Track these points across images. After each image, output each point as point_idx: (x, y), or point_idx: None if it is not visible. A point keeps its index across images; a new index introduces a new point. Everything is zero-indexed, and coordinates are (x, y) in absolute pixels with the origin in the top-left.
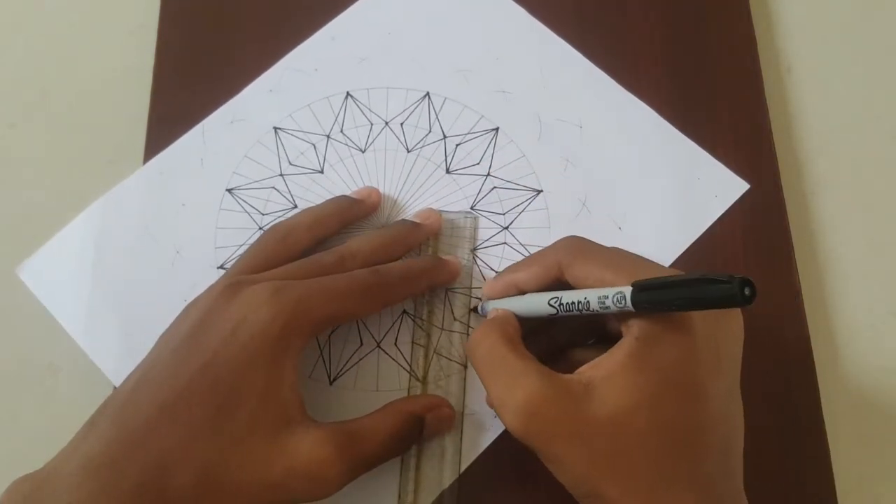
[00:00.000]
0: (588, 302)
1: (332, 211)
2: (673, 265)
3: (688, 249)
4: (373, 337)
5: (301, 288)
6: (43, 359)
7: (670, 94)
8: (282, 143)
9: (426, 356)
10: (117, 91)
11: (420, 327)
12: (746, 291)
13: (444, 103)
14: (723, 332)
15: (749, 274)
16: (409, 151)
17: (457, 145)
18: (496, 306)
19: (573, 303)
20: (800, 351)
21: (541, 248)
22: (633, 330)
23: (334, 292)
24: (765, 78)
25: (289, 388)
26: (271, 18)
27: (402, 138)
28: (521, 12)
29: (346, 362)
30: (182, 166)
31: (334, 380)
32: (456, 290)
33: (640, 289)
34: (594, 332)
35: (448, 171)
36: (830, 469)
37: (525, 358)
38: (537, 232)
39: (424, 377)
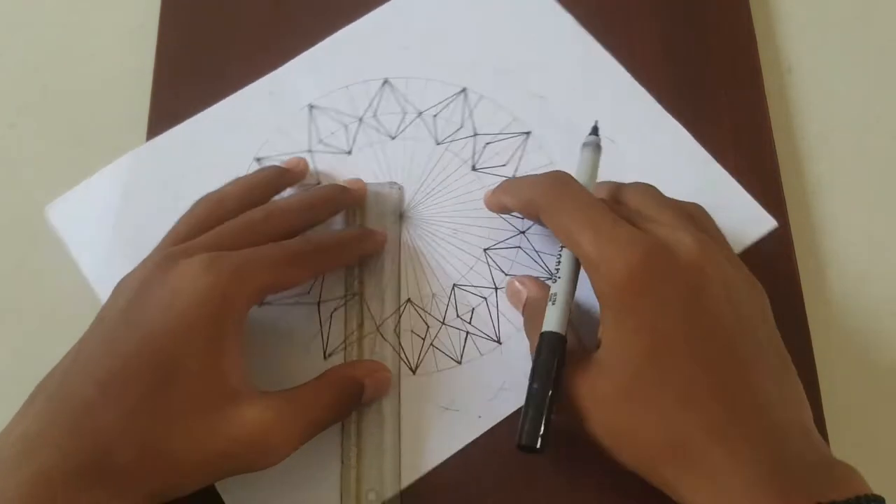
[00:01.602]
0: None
1: (262, 180)
2: None
3: None
4: (374, 320)
5: (237, 258)
6: (43, 359)
7: (670, 94)
8: (314, 121)
9: (359, 339)
10: (117, 91)
11: (356, 304)
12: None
13: (479, 101)
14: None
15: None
16: (437, 144)
17: (486, 144)
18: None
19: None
20: (800, 351)
21: (532, 176)
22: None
23: (269, 260)
24: (765, 78)
25: (230, 358)
26: (271, 18)
27: (432, 130)
28: (569, 19)
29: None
30: (215, 130)
31: (329, 356)
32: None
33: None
34: None
35: (474, 169)
36: None
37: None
38: (553, 240)
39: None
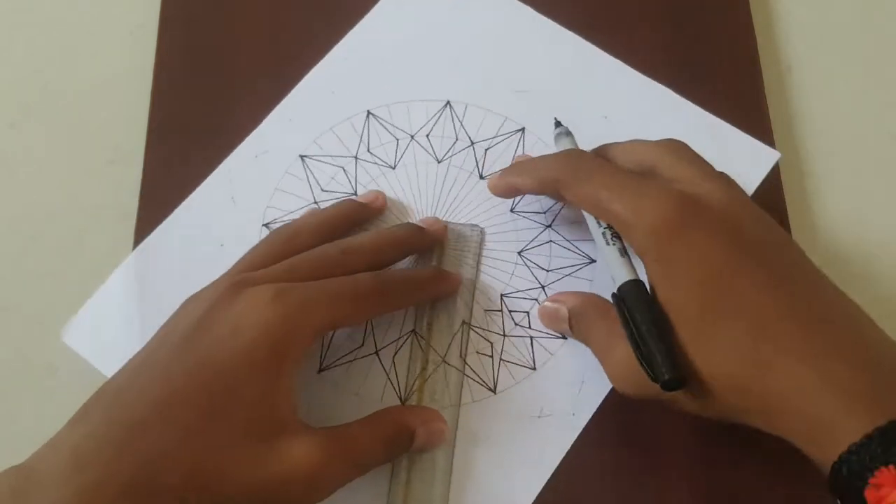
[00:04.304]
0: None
1: (339, 214)
2: None
3: None
4: (375, 343)
5: (304, 292)
6: (43, 359)
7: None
8: (310, 171)
9: (420, 388)
10: (117, 91)
11: (419, 355)
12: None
13: (466, 110)
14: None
15: None
16: (439, 162)
17: (486, 150)
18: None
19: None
20: None
21: (543, 155)
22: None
23: (336, 298)
24: (765, 78)
25: (284, 393)
26: (271, 17)
27: (430, 150)
28: (528, 11)
29: (341, 357)
30: (213, 207)
31: (323, 370)
32: (462, 326)
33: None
34: None
35: (482, 177)
36: None
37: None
38: (581, 226)
39: (406, 401)
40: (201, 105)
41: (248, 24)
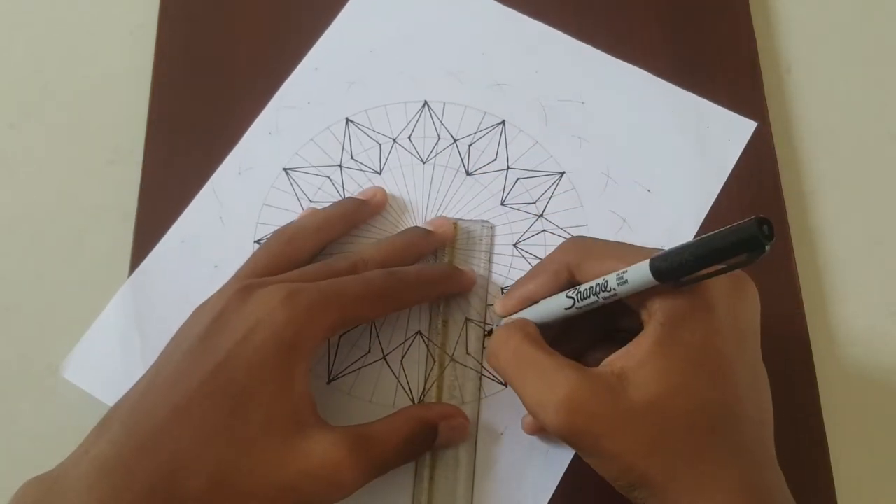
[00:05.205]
0: (606, 282)
1: (338, 213)
2: (707, 218)
3: None
4: (381, 348)
5: (315, 291)
6: (43, 359)
7: None
8: (296, 183)
9: (438, 386)
10: (117, 91)
11: (431, 354)
12: (765, 228)
13: (444, 108)
14: (741, 305)
15: (749, 274)
16: (424, 163)
17: (469, 146)
18: (512, 320)
19: (591, 288)
20: (800, 351)
21: (544, 257)
22: (657, 315)
23: (349, 296)
24: (765, 78)
25: (301, 390)
26: (271, 17)
27: (413, 151)
28: (492, 3)
29: (349, 366)
30: (203, 229)
31: (332, 380)
32: (475, 322)
33: (658, 259)
34: (609, 335)
35: (469, 174)
36: (830, 469)
37: (554, 355)
38: (572, 213)
39: (421, 401)
40: (201, 105)
41: (248, 24)
